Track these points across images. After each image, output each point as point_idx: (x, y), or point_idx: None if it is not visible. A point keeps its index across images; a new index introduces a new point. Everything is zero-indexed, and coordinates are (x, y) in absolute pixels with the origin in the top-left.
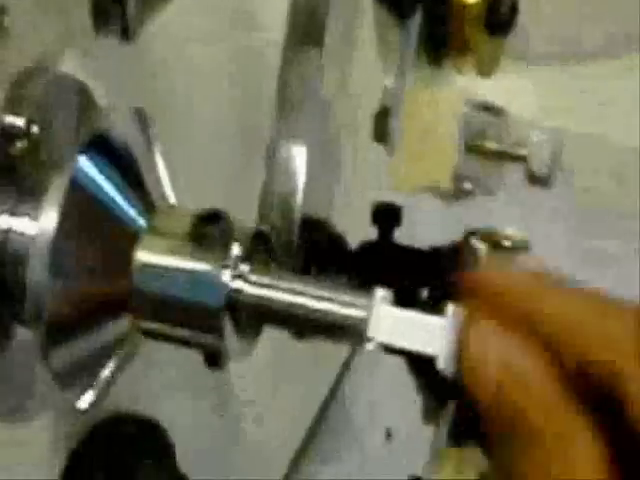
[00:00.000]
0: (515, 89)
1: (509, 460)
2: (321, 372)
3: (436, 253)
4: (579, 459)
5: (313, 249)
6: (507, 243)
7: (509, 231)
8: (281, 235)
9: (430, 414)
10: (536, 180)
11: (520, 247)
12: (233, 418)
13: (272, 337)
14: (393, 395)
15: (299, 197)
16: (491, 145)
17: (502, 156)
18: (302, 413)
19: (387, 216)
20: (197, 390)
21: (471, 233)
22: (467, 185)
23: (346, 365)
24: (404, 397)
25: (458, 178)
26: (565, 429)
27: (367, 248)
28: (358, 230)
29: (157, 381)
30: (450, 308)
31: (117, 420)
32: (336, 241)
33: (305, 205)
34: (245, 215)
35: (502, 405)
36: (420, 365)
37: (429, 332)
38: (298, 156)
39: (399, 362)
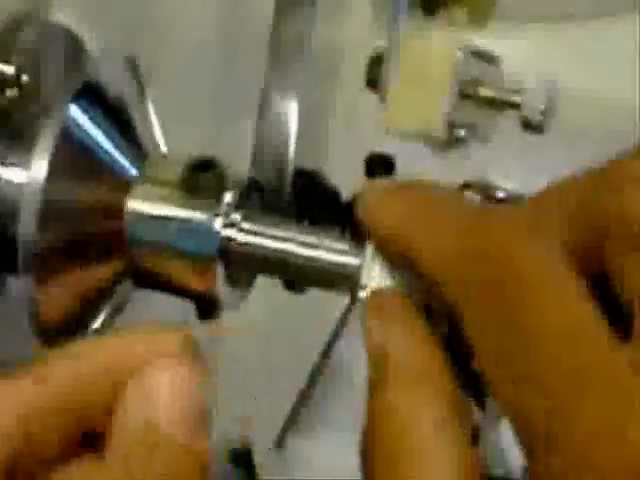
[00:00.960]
0: (509, 44)
1: None
2: (314, 333)
3: None
4: None
5: (305, 201)
6: (501, 195)
7: (503, 182)
8: (273, 187)
9: None
10: (530, 127)
11: (515, 198)
12: (221, 376)
13: (262, 298)
14: None
15: (291, 149)
16: (485, 92)
17: (496, 103)
18: (295, 373)
19: (381, 167)
20: None
21: (465, 185)
22: (460, 132)
23: (340, 325)
24: None
25: (451, 125)
26: None
27: None
28: (352, 182)
29: None
30: None
31: None
32: (329, 193)
33: (297, 157)
34: (237, 165)
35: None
36: None
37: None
38: (290, 108)
39: None
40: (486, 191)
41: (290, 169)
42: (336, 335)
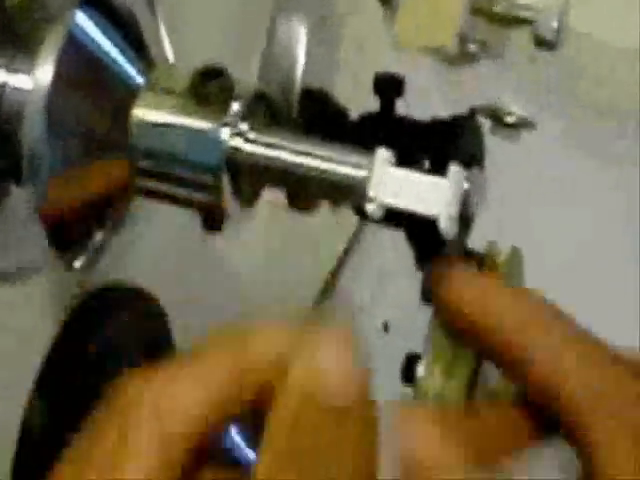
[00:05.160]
0: None
1: None
2: (316, 263)
3: (438, 125)
4: None
5: (313, 120)
6: (510, 119)
7: (513, 107)
8: (280, 106)
9: (430, 293)
10: (543, 44)
11: (524, 124)
12: (227, 292)
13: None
14: (390, 289)
15: (299, 70)
16: (497, 7)
17: (508, 19)
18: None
19: (389, 87)
20: (188, 262)
21: (474, 110)
22: (472, 47)
23: (341, 258)
24: (402, 291)
25: (463, 40)
26: None
27: (368, 119)
28: (360, 101)
29: (148, 252)
30: (453, 169)
31: (107, 290)
32: (336, 112)
33: (305, 78)
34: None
35: None
36: (421, 233)
37: (431, 192)
38: (298, 30)
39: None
40: (495, 116)
41: (297, 89)
42: (341, 265)
